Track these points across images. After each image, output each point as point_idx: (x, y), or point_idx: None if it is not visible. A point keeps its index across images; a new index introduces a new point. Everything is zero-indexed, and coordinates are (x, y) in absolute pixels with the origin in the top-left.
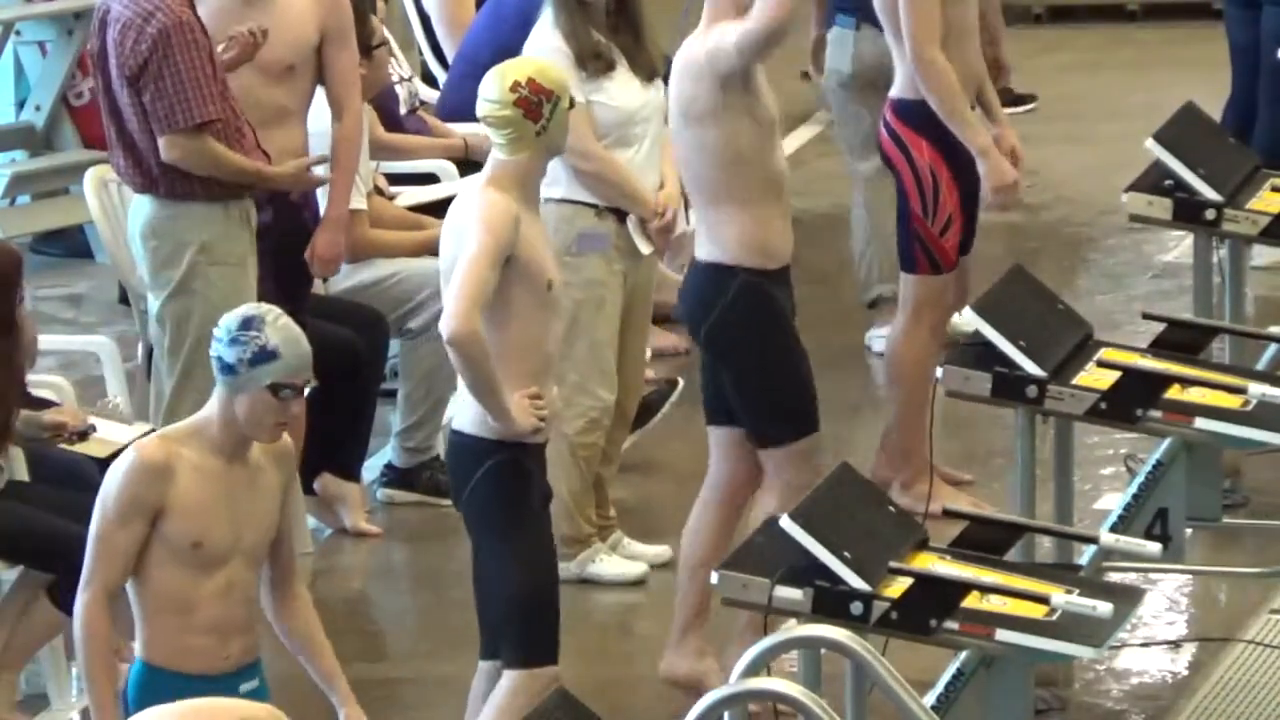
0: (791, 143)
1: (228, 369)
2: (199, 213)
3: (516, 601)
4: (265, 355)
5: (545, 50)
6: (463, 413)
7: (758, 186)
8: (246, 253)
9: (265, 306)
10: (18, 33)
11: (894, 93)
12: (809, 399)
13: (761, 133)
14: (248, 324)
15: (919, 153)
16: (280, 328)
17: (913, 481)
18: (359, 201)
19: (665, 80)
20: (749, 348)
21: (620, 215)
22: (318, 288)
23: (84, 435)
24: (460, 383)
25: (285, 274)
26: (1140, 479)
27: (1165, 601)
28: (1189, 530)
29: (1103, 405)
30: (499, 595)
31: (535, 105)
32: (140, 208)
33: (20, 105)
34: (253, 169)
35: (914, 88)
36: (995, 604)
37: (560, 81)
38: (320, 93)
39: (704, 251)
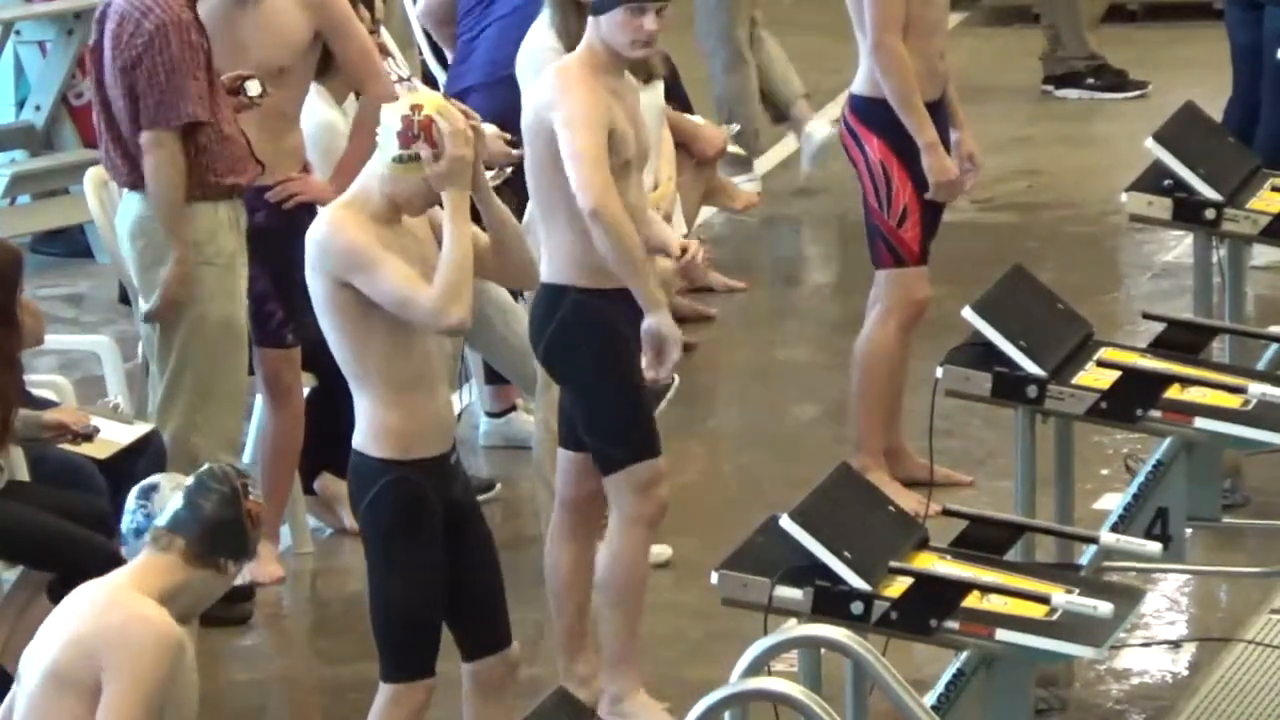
0: (791, 144)
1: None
2: (186, 212)
3: (389, 619)
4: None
5: (539, 48)
6: (359, 431)
7: None
8: (235, 253)
9: (169, 477)
10: (18, 33)
11: (853, 88)
12: (646, 423)
13: (612, 171)
14: (145, 493)
15: (871, 148)
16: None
17: (863, 470)
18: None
19: (664, 81)
20: (582, 368)
21: None
22: None
23: (89, 438)
24: (356, 402)
25: (281, 276)
26: (1140, 479)
27: (1165, 601)
28: (1189, 530)
29: (1103, 405)
30: (375, 611)
31: (411, 137)
32: (129, 206)
33: (20, 105)
34: (182, 223)
35: (871, 85)
36: (995, 604)
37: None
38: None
39: (542, 271)
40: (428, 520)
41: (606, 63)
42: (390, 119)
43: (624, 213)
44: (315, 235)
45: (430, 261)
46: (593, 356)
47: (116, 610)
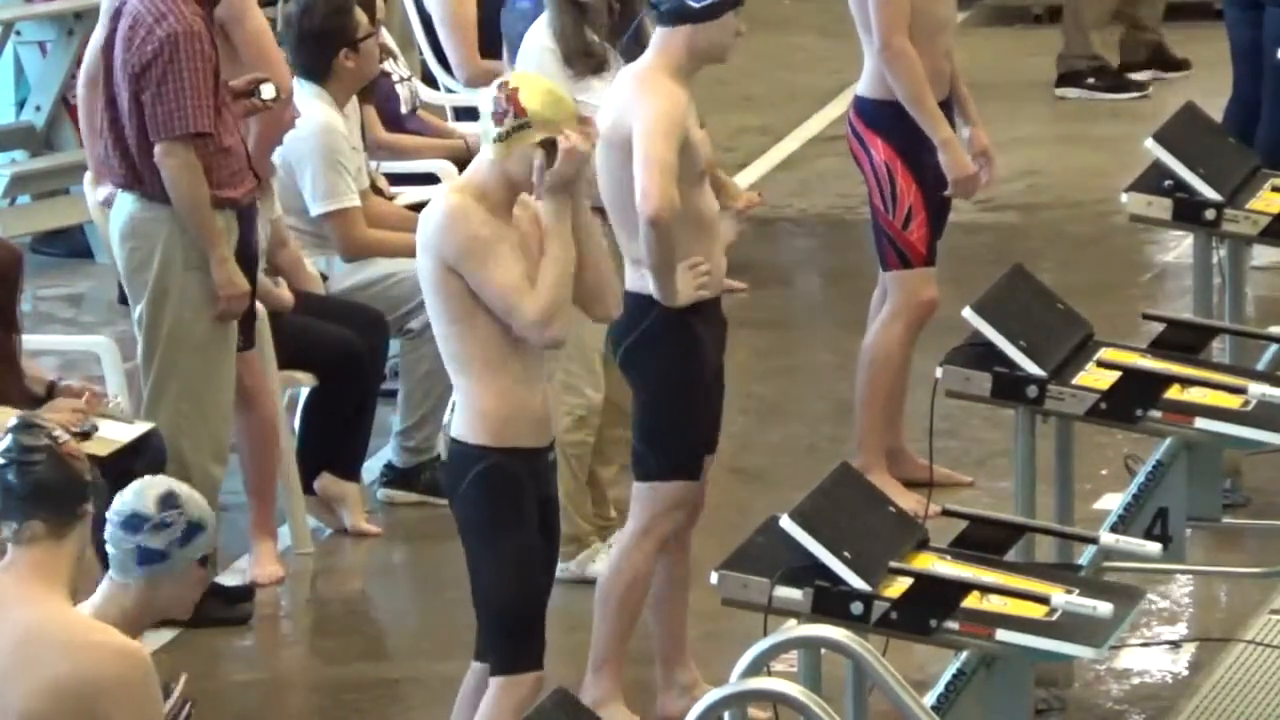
0: (790, 144)
1: (157, 556)
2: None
3: (497, 610)
4: (194, 529)
5: (535, 47)
6: (458, 419)
7: (682, 228)
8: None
9: (169, 483)
10: (18, 33)
11: (858, 90)
12: (697, 446)
13: (687, 179)
14: (168, 502)
15: (876, 150)
16: (192, 496)
17: (864, 470)
18: (352, 199)
19: None
20: (656, 376)
21: None
22: (319, 288)
23: (86, 435)
24: (455, 389)
25: None
26: (1140, 479)
27: (1165, 601)
28: (1189, 530)
29: (1103, 405)
30: (482, 601)
31: (501, 113)
32: (121, 206)
33: (20, 105)
34: (211, 226)
35: (876, 87)
36: (995, 604)
37: (539, 114)
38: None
39: (629, 281)
40: (524, 507)
41: (687, 71)
42: (485, 107)
43: (674, 228)
44: (433, 217)
45: (534, 258)
46: (672, 370)
47: (81, 646)
